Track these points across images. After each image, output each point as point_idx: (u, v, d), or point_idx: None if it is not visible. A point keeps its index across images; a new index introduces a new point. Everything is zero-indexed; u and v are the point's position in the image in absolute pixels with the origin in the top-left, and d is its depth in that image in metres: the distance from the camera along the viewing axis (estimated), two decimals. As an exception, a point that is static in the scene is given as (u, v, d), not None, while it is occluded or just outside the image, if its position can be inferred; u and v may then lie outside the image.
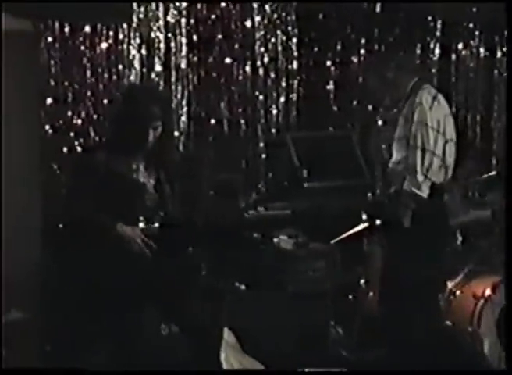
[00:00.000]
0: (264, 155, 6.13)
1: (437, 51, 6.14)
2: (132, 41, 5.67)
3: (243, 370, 4.10)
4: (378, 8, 6.08)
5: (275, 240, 4.99)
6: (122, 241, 3.80)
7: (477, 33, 6.33)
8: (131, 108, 3.94)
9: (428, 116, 4.41)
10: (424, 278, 4.38)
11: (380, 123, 5.66)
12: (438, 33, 6.11)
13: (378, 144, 5.17)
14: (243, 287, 4.73)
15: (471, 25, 6.28)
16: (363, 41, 6.17)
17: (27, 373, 3.59)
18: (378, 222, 4.64)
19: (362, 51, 6.15)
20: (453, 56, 6.38)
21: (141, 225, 3.91)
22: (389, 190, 4.63)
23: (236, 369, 4.09)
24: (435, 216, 4.52)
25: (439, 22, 6.08)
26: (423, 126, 4.39)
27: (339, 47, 6.18)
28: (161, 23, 5.74)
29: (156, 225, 3.95)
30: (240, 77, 6.04)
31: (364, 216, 4.79)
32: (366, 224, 4.73)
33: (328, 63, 6.21)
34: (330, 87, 6.23)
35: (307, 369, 4.19)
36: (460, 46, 6.36)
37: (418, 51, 6.15)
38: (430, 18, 6.07)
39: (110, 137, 4.18)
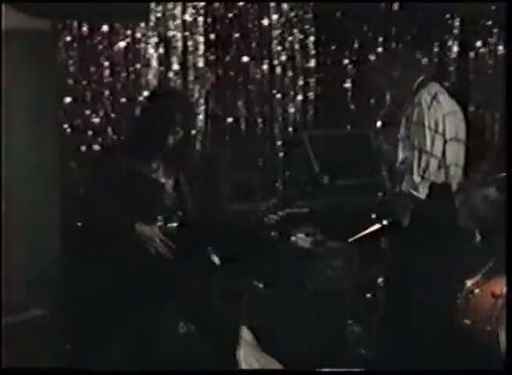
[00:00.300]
0: (281, 154, 6.13)
1: (455, 49, 6.09)
2: (149, 40, 5.67)
3: (250, 370, 4.07)
4: (395, 7, 6.05)
5: (293, 238, 4.97)
6: (141, 240, 3.80)
7: (495, 30, 6.28)
8: (154, 112, 3.96)
9: (425, 116, 4.37)
10: (442, 277, 4.36)
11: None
12: (456, 31, 6.07)
13: (390, 143, 5.15)
14: (261, 285, 4.72)
15: (489, 23, 6.24)
16: (380, 39, 6.14)
17: (27, 373, 3.57)
18: (385, 222, 4.62)
19: (379, 50, 6.12)
20: (472, 54, 6.34)
21: (159, 224, 3.91)
22: (395, 189, 4.62)
23: (254, 368, 4.08)
24: (453, 214, 4.51)
25: (458, 20, 6.04)
26: (420, 126, 4.36)
27: (356, 45, 6.17)
28: (178, 21, 5.75)
29: (174, 224, 3.95)
30: (258, 76, 6.05)
31: (374, 216, 4.78)
32: (384, 223, 4.70)
33: (346, 62, 6.20)
34: (347, 85, 6.21)
35: (325, 369, 4.16)
36: (479, 44, 6.31)
37: (436, 50, 6.11)
38: (448, 16, 6.03)
39: (130, 138, 4.19)
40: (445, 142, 4.41)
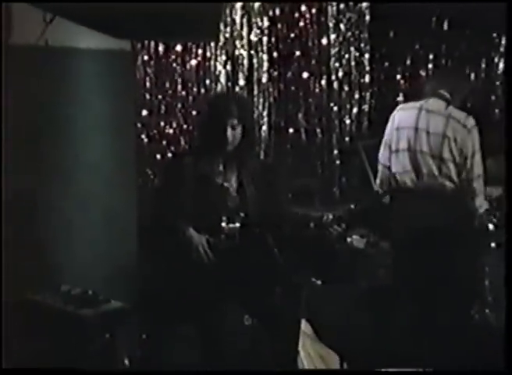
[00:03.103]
0: (338, 162, 6.13)
1: (501, 65, 6.03)
2: (219, 58, 5.73)
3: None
4: (445, 26, 6.01)
5: (349, 239, 4.97)
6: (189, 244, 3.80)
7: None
8: (210, 107, 3.95)
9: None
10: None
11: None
12: (502, 49, 6.01)
13: None
14: (319, 282, 4.72)
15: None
16: (431, 56, 6.10)
17: (27, 373, 3.50)
18: None
19: (430, 66, 6.09)
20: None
21: (223, 224, 3.91)
22: None
23: (312, 358, 4.07)
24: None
25: (504, 38, 5.98)
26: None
27: (408, 62, 6.14)
28: (244, 41, 5.80)
29: (237, 225, 3.95)
30: (317, 90, 6.07)
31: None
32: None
33: (398, 77, 6.17)
34: (400, 98, 6.18)
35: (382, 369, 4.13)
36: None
37: (483, 66, 6.06)
38: (495, 35, 5.97)
39: (195, 142, 4.19)
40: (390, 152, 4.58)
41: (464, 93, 4.66)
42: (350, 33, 6.02)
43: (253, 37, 5.83)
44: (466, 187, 4.41)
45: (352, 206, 4.89)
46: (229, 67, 5.78)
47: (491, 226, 4.68)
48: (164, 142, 5.59)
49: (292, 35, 5.93)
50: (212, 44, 5.66)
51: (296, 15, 5.91)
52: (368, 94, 6.14)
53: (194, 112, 5.65)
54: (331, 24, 5.98)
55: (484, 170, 4.47)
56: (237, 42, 5.76)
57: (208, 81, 5.72)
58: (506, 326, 3.31)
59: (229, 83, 5.77)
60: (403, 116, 4.62)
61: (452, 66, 5.89)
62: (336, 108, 6.11)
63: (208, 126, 3.86)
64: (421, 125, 4.53)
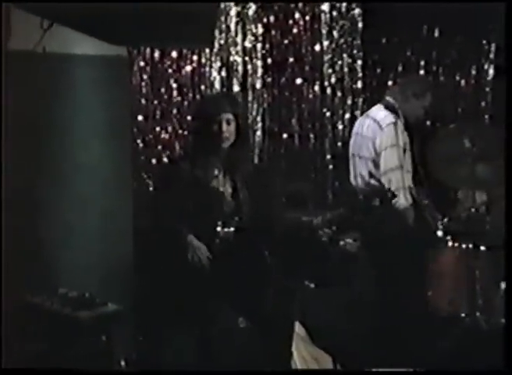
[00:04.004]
0: (331, 166, 6.15)
1: (491, 71, 6.06)
2: (213, 64, 5.75)
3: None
4: (436, 33, 6.04)
5: (341, 243, 4.98)
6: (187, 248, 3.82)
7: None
8: (204, 103, 3.96)
9: None
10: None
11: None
12: (492, 56, 6.04)
13: None
14: (312, 285, 4.73)
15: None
16: (422, 62, 6.13)
17: (27, 373, 3.49)
18: None
19: (421, 72, 6.12)
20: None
21: (219, 229, 3.92)
22: None
23: (306, 360, 4.08)
24: None
25: (493, 45, 6.00)
26: None
27: (400, 68, 6.16)
28: (239, 47, 5.82)
29: (232, 229, 3.95)
30: (310, 96, 6.09)
31: None
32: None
33: (390, 83, 6.19)
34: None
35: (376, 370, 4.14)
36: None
37: (474, 72, 6.08)
38: (485, 42, 5.99)
39: (190, 146, 4.19)
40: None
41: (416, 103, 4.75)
42: (342, 40, 6.04)
43: (247, 44, 5.86)
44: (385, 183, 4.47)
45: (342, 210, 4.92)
46: (223, 73, 5.80)
47: (440, 233, 4.69)
48: (159, 147, 5.60)
49: (286, 42, 5.96)
50: (207, 50, 5.67)
51: (290, 22, 5.94)
52: (360, 99, 6.15)
53: (189, 118, 5.65)
54: (324, 31, 6.00)
55: (401, 165, 4.61)
56: (232, 48, 5.80)
57: (202, 87, 5.74)
58: (505, 326, 3.33)
59: (224, 89, 5.78)
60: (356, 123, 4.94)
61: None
62: (328, 114, 6.13)
63: (203, 121, 3.86)
64: (357, 130, 4.87)
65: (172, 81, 5.66)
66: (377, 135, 4.68)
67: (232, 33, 5.78)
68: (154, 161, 5.59)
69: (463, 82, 6.04)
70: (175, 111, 5.66)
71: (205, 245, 3.83)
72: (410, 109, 4.80)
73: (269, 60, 5.95)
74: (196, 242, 3.82)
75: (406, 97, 4.80)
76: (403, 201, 4.59)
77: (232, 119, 3.82)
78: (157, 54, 5.55)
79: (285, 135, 6.07)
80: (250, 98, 5.90)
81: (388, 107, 4.78)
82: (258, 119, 5.97)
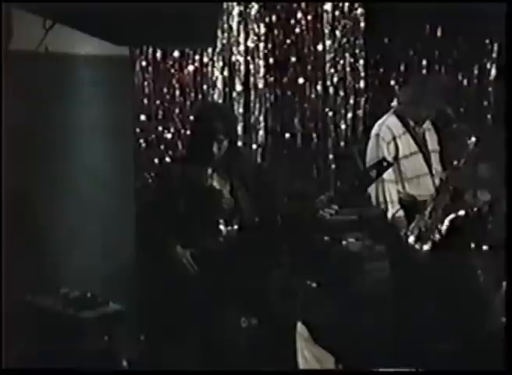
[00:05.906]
0: (333, 166, 6.14)
1: (493, 71, 6.03)
2: (216, 64, 5.73)
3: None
4: (439, 33, 6.03)
5: (344, 242, 4.98)
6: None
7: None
8: (199, 123, 3.98)
9: None
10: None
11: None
12: (494, 55, 6.01)
13: None
14: (314, 284, 4.73)
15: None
16: (424, 62, 6.11)
17: (27, 373, 3.52)
18: None
19: (424, 72, 6.10)
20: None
21: (222, 227, 3.92)
22: None
23: (308, 360, 4.07)
24: None
25: (496, 45, 5.98)
26: None
27: (402, 68, 6.14)
28: (241, 47, 5.80)
29: (235, 228, 3.95)
30: (312, 95, 6.08)
31: None
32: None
33: (392, 83, 6.18)
34: (394, 104, 6.16)
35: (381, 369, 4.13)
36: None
37: (476, 72, 6.06)
38: (487, 42, 5.98)
39: (187, 149, 4.22)
40: None
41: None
42: (345, 40, 6.05)
43: (249, 44, 5.84)
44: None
45: (346, 210, 4.90)
46: (226, 73, 5.78)
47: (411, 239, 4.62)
48: (162, 147, 5.58)
49: (288, 41, 5.95)
50: (209, 50, 5.65)
51: (293, 21, 5.93)
52: (362, 99, 6.16)
53: (192, 118, 5.62)
54: (326, 31, 6.00)
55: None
56: (234, 48, 5.77)
57: (205, 87, 5.72)
58: (506, 326, 3.32)
59: (226, 89, 5.77)
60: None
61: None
62: (331, 114, 6.13)
63: (196, 142, 3.93)
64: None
65: (174, 81, 5.63)
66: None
67: (235, 33, 5.76)
68: (156, 161, 5.56)
69: (465, 82, 6.03)
70: (177, 111, 5.64)
71: (192, 254, 3.84)
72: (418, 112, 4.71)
73: (271, 60, 5.93)
74: (180, 251, 3.82)
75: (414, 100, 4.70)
76: (389, 213, 4.54)
77: (224, 139, 3.85)
78: (159, 54, 5.52)
79: (287, 135, 6.06)
80: (252, 98, 5.88)
81: (399, 117, 4.68)
82: (261, 118, 5.96)
